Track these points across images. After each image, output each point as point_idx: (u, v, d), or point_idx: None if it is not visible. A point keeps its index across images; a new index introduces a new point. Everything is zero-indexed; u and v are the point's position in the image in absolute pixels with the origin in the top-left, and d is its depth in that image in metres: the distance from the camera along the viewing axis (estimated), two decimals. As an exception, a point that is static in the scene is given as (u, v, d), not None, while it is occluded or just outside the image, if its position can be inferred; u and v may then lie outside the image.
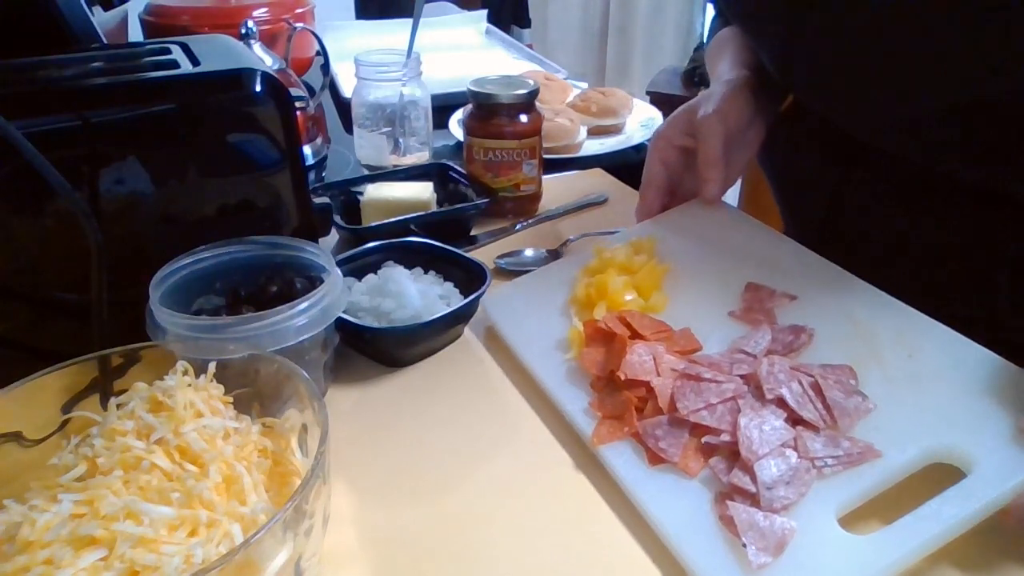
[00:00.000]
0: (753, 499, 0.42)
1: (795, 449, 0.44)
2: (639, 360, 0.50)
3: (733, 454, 0.44)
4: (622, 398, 0.50)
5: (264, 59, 0.94)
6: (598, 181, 0.94)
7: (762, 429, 0.44)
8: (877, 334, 0.50)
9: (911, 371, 0.47)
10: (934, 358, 0.47)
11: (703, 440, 0.46)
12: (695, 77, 2.72)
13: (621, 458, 0.47)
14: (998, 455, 0.40)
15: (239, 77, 0.55)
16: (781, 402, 0.46)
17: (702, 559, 0.40)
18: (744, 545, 0.39)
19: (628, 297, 0.58)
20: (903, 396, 0.46)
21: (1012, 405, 0.43)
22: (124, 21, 1.14)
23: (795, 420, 0.46)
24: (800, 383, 0.47)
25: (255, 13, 1.15)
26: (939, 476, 0.41)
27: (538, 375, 0.55)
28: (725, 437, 0.45)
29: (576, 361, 0.54)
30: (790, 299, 0.55)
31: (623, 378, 0.50)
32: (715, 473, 0.44)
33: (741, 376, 0.49)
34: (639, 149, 1.07)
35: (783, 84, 0.66)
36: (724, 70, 0.72)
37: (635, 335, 0.53)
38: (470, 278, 0.63)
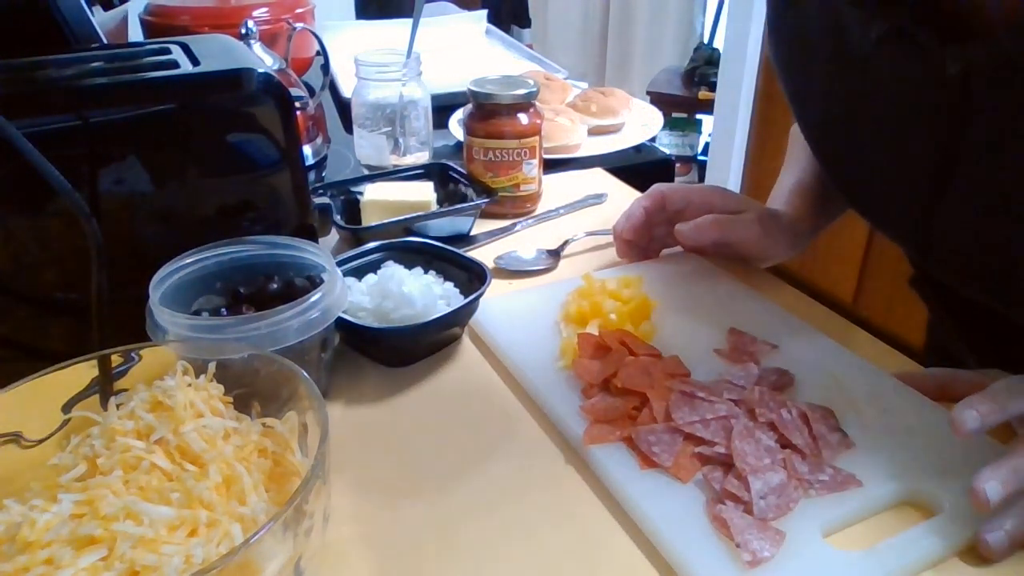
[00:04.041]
0: (746, 506, 0.43)
1: (784, 468, 0.45)
2: (636, 373, 0.52)
3: (725, 466, 0.46)
4: (615, 404, 0.51)
5: (264, 59, 0.94)
6: (598, 181, 0.94)
7: (755, 446, 0.46)
8: (853, 389, 0.53)
9: (886, 423, 0.50)
10: (906, 415, 0.51)
11: (696, 450, 0.47)
12: (695, 77, 2.71)
13: (612, 459, 0.47)
14: (964, 501, 0.43)
15: (239, 77, 0.55)
16: (772, 426, 0.48)
17: (695, 558, 0.40)
18: (738, 545, 0.40)
19: (613, 318, 0.59)
20: (879, 442, 0.48)
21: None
22: (124, 21, 1.14)
23: (784, 444, 0.48)
24: (790, 412, 0.49)
25: (255, 13, 1.15)
26: (911, 514, 0.45)
27: (528, 378, 0.55)
28: (720, 449, 0.46)
29: (568, 369, 0.55)
30: (771, 347, 0.58)
31: (619, 386, 0.51)
32: (708, 480, 0.45)
33: (732, 400, 0.51)
34: (639, 149, 1.07)
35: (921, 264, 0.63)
36: (791, 182, 0.74)
37: (630, 352, 0.55)
38: (470, 278, 0.63)
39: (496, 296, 0.65)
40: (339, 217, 0.75)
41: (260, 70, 0.55)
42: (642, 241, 0.71)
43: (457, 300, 0.60)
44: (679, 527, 0.42)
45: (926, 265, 0.62)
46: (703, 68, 2.70)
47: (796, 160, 0.77)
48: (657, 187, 0.70)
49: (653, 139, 1.09)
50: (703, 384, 0.52)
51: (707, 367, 0.55)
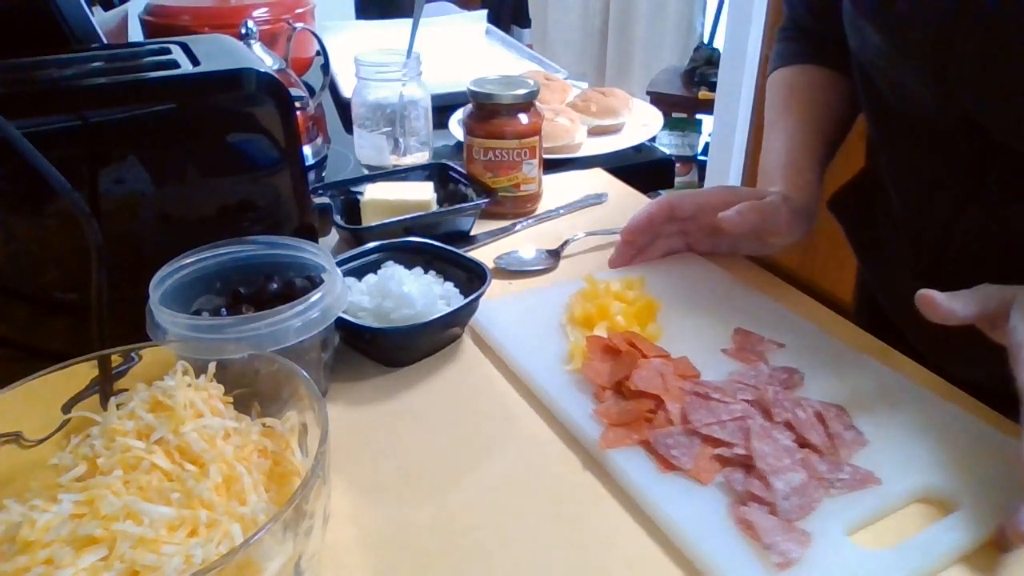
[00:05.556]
0: (771, 507, 0.43)
1: (804, 468, 0.45)
2: (649, 375, 0.52)
3: (745, 467, 0.46)
4: (630, 407, 0.50)
5: (264, 59, 0.94)
6: (598, 181, 0.94)
7: (774, 446, 0.46)
8: (862, 386, 0.53)
9: (896, 420, 0.50)
10: (916, 412, 0.51)
11: (715, 452, 0.47)
12: (695, 77, 2.71)
13: (630, 463, 0.47)
14: (981, 495, 0.44)
15: (239, 77, 0.55)
16: (789, 425, 0.48)
17: (723, 561, 0.40)
18: (767, 547, 0.40)
19: (620, 319, 0.59)
20: (891, 439, 0.49)
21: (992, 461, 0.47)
22: (124, 21, 1.14)
23: (801, 443, 0.47)
24: (804, 411, 0.49)
25: (255, 13, 1.15)
26: (929, 510, 0.45)
27: (537, 382, 0.55)
28: (739, 450, 0.46)
29: (578, 372, 0.55)
30: (778, 346, 0.58)
31: (633, 389, 0.51)
32: (729, 482, 0.45)
33: (747, 401, 0.50)
34: (639, 149, 1.07)
35: (935, 90, 0.59)
36: (782, 155, 0.73)
37: (640, 354, 0.54)
38: (470, 278, 0.63)
39: (497, 297, 0.65)
40: (339, 217, 0.75)
41: (260, 70, 0.55)
42: (639, 240, 0.72)
43: (457, 300, 0.60)
44: (705, 530, 0.42)
45: (945, 86, 0.58)
46: (703, 68, 2.69)
47: (782, 112, 0.77)
48: (665, 196, 0.71)
49: (653, 139, 1.09)
50: (716, 385, 0.52)
51: (715, 367, 0.55)
